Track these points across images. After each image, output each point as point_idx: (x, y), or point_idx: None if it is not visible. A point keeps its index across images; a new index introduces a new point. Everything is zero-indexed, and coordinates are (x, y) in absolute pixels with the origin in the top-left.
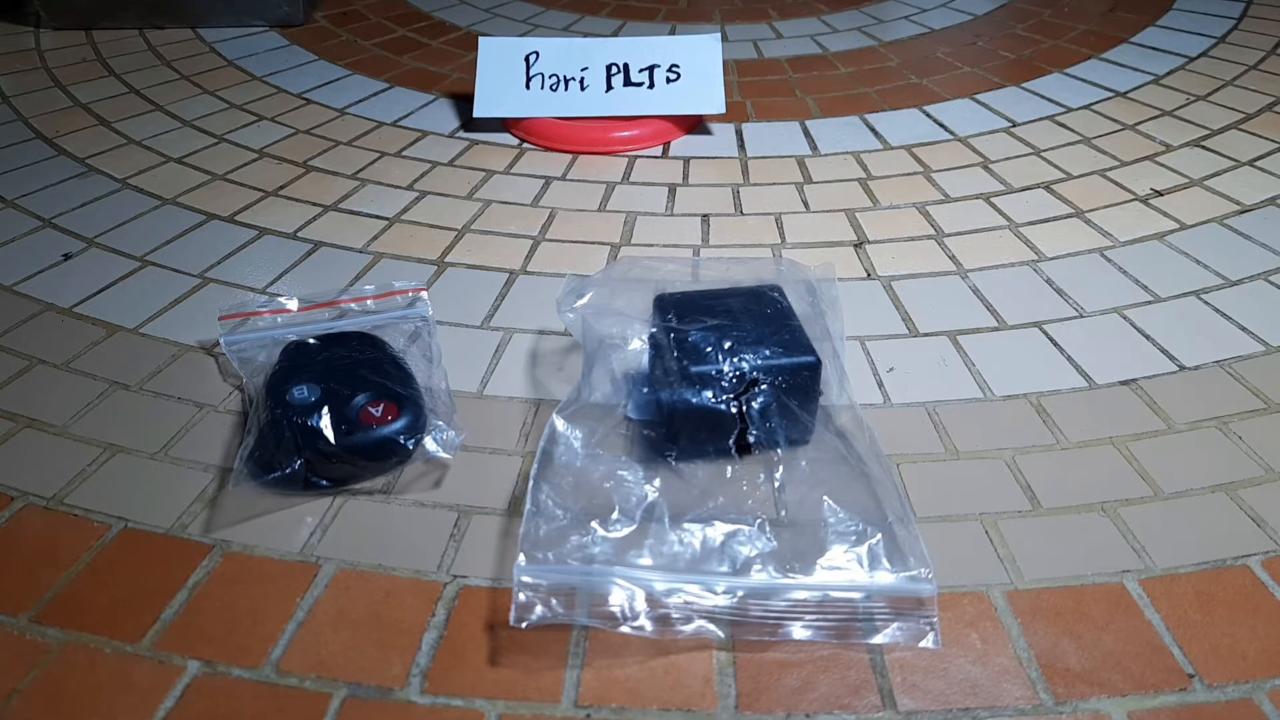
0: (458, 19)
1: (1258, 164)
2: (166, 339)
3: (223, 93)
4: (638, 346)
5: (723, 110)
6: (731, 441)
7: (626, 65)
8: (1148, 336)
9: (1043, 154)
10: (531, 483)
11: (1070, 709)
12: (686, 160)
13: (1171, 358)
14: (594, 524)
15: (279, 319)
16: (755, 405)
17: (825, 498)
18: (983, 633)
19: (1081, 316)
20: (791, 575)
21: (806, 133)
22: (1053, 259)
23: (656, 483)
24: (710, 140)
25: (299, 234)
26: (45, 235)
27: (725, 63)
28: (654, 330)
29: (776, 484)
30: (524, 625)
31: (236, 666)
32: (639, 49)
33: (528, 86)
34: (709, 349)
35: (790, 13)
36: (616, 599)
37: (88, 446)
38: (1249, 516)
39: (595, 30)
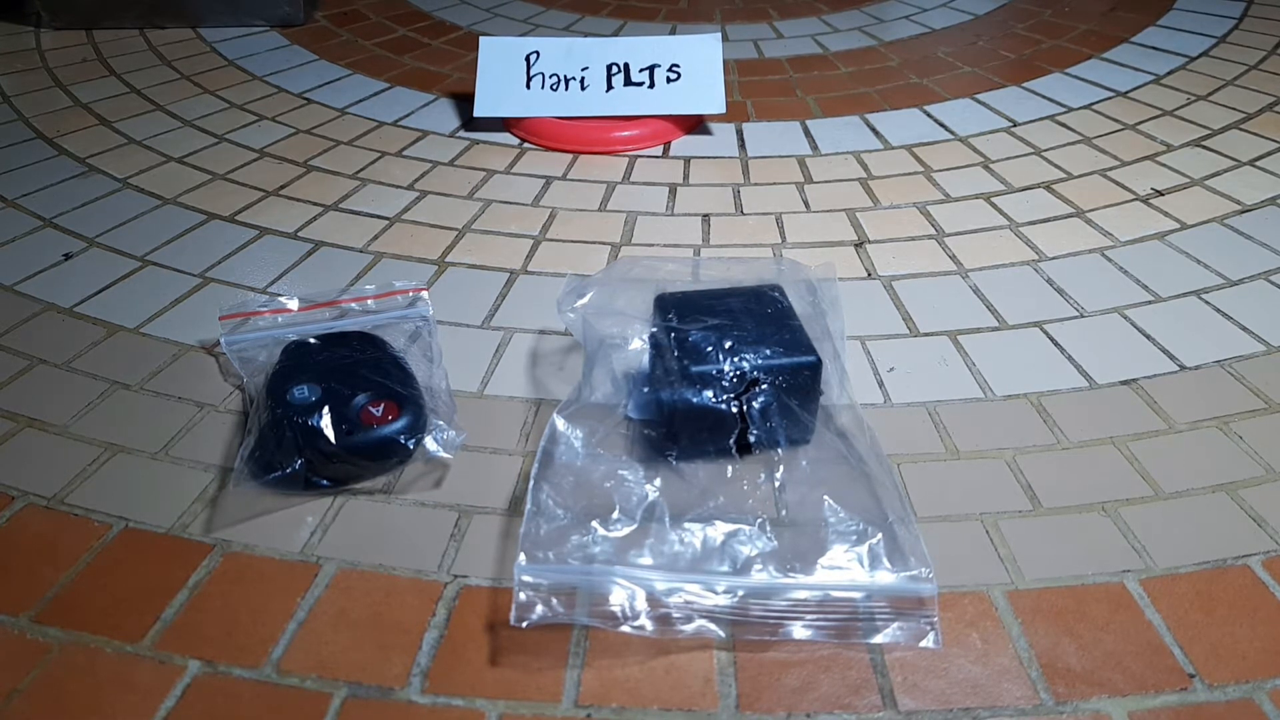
0: (458, 19)
1: (1258, 164)
2: (167, 339)
3: (223, 92)
4: (638, 346)
5: (723, 110)
6: (732, 441)
7: (627, 65)
8: (1148, 336)
9: (1043, 154)
10: (532, 482)
11: (1070, 709)
12: (687, 160)
13: (1172, 357)
14: (594, 523)
15: (279, 319)
16: (756, 405)
17: (826, 497)
18: (983, 632)
19: (1082, 316)
20: (792, 575)
21: (807, 132)
22: (1053, 259)
23: (657, 482)
24: (711, 140)
25: (299, 234)
26: (46, 235)
27: (726, 62)
28: (654, 330)
29: (777, 484)
30: (524, 625)
31: (237, 666)
32: (639, 49)
33: (528, 86)
34: (709, 349)
35: (790, 12)
36: (617, 598)
37: (88, 446)
38: (1249, 516)
39: (596, 30)
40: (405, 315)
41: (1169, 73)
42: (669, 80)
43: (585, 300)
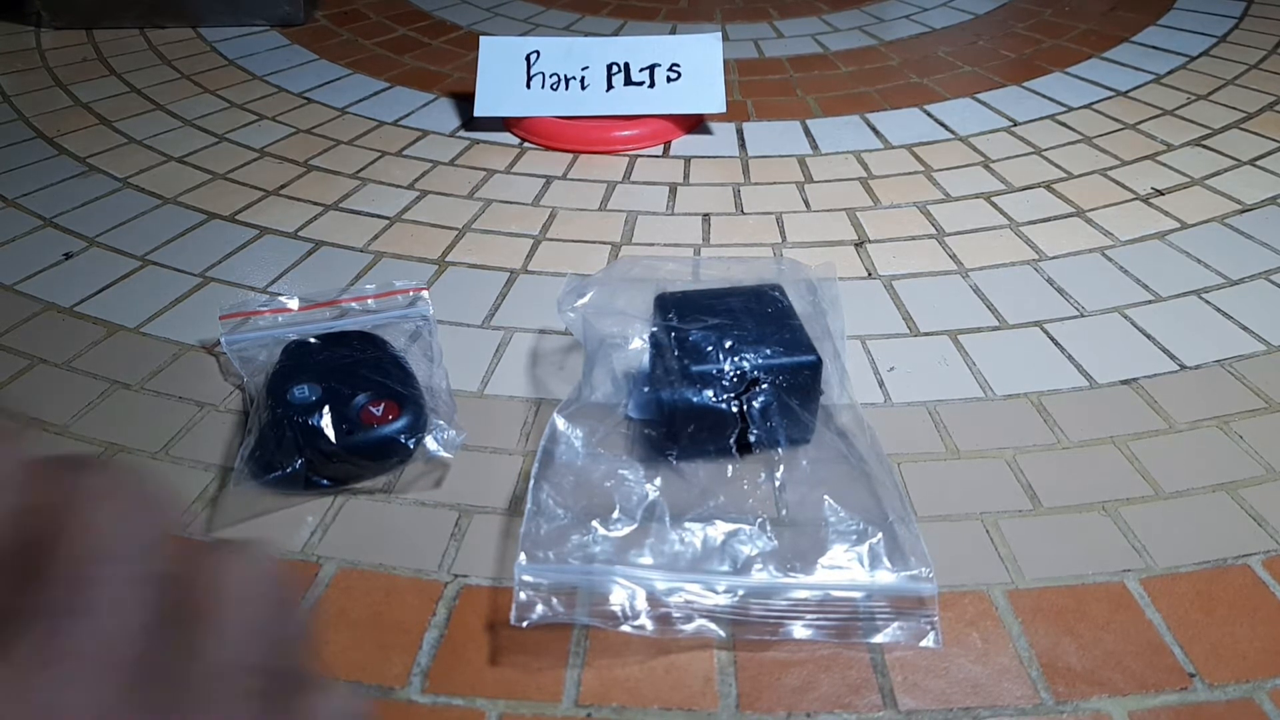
0: (458, 18)
1: (1259, 163)
2: (167, 338)
3: (223, 92)
4: (638, 346)
5: (723, 109)
6: (732, 441)
7: (627, 64)
8: (1148, 336)
9: (1043, 153)
10: (532, 482)
11: (1071, 708)
12: (687, 160)
13: (1172, 357)
14: (595, 523)
15: (280, 318)
16: (756, 404)
17: (826, 497)
18: (983, 632)
19: (1082, 316)
20: (792, 574)
21: (807, 132)
22: (1053, 258)
23: (657, 482)
24: (711, 139)
25: (300, 233)
26: (46, 234)
27: (726, 62)
28: (655, 329)
29: (777, 483)
30: (525, 624)
31: None
32: (640, 48)
33: (528, 86)
34: (710, 348)
35: (791, 12)
36: (617, 598)
37: (88, 446)
38: (1250, 516)
39: (596, 30)
40: (405, 315)
41: (1169, 72)
42: (669, 80)
43: (585, 300)
